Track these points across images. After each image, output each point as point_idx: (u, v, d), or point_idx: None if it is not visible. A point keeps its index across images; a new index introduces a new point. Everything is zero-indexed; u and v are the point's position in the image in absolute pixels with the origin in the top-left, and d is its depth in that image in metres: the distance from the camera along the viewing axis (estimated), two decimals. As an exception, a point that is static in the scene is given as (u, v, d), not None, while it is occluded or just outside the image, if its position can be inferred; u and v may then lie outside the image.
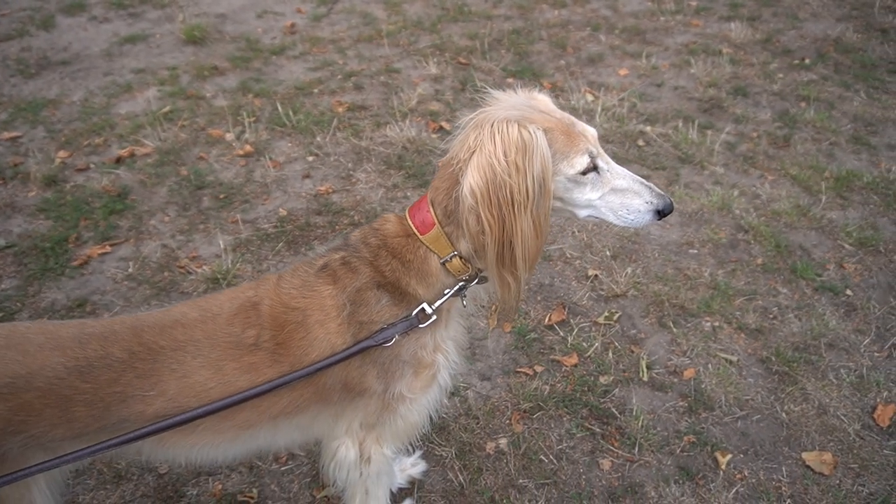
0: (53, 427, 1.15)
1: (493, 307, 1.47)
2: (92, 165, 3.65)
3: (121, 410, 1.19)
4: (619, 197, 1.32)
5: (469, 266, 1.32)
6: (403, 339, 1.32)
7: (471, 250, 1.31)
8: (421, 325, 1.31)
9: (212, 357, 1.23)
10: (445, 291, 1.33)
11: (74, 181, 3.52)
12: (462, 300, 1.39)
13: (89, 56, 4.80)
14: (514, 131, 1.17)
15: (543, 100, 1.38)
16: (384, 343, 1.27)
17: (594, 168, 1.29)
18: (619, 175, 1.34)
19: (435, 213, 1.30)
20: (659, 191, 1.36)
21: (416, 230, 1.31)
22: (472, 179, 1.17)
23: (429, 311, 1.31)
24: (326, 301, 1.28)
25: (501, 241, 1.20)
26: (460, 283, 1.34)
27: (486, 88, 1.39)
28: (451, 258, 1.30)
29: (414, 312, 1.31)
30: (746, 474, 2.14)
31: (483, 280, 1.38)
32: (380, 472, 1.64)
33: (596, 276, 2.88)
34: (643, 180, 1.38)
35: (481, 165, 1.17)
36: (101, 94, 4.33)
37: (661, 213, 1.34)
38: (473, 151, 1.19)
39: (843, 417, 2.29)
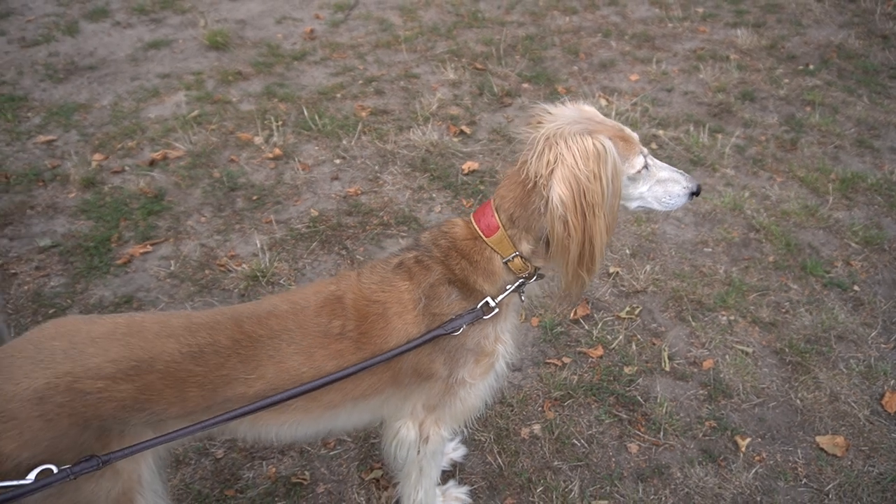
0: (170, 405, 1.30)
1: (554, 297, 1.64)
2: (127, 168, 3.79)
3: (226, 392, 1.34)
4: (663, 186, 1.53)
5: (528, 265, 1.48)
6: (469, 330, 1.48)
7: (530, 251, 1.46)
8: (485, 317, 1.46)
9: (304, 345, 1.37)
10: (507, 287, 1.49)
11: (111, 183, 3.66)
12: (521, 296, 1.54)
13: (115, 61, 4.94)
14: (589, 143, 1.32)
15: (591, 110, 1.54)
16: (453, 332, 1.42)
17: (645, 165, 1.47)
18: (661, 168, 1.53)
19: (499, 218, 1.45)
20: (689, 176, 1.57)
21: (481, 234, 1.46)
22: (559, 191, 1.32)
23: (492, 304, 1.47)
24: (404, 295, 1.43)
25: (582, 242, 1.35)
26: (520, 280, 1.49)
27: (537, 103, 1.54)
28: (512, 258, 1.46)
29: (479, 305, 1.46)
30: (765, 456, 2.30)
31: (540, 277, 1.53)
32: (435, 452, 1.79)
33: (617, 273, 3.03)
34: (676, 169, 1.57)
35: (566, 177, 1.32)
36: (129, 98, 4.47)
37: (694, 194, 1.56)
38: (554, 166, 1.33)
39: (853, 404, 2.45)
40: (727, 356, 2.65)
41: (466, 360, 1.52)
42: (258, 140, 3.97)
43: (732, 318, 2.82)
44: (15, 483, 1.13)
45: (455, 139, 3.96)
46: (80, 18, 5.53)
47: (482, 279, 1.46)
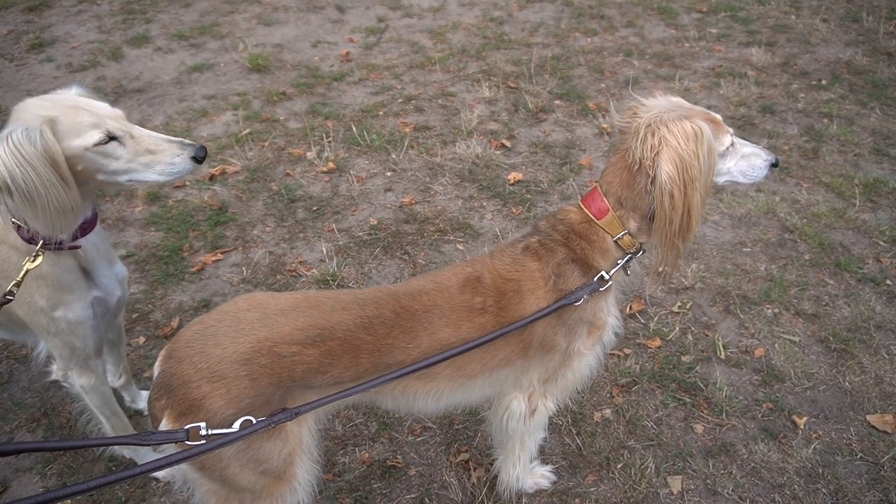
0: (346, 369, 1.48)
1: (653, 272, 1.83)
2: (188, 183, 3.98)
3: (388, 359, 1.52)
4: (747, 161, 1.74)
5: (635, 241, 1.68)
6: (587, 303, 1.67)
7: (636, 228, 1.66)
8: (601, 289, 1.66)
9: (452, 318, 1.56)
10: (618, 262, 1.69)
11: (175, 197, 3.86)
12: (626, 270, 1.74)
13: (161, 84, 5.16)
14: (688, 126, 1.53)
15: (678, 100, 1.75)
16: (576, 302, 1.62)
17: (732, 143, 1.69)
18: (744, 145, 1.76)
19: (608, 201, 1.65)
20: (768, 150, 1.79)
21: (593, 217, 1.66)
22: (667, 169, 1.52)
23: (606, 277, 1.66)
24: (535, 274, 1.62)
25: (682, 213, 1.55)
26: (628, 255, 1.70)
27: (635, 97, 1.74)
28: (622, 236, 1.66)
29: (596, 278, 1.66)
30: (821, 433, 2.49)
31: (643, 252, 1.74)
32: (538, 425, 1.98)
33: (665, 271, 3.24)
34: (756, 145, 1.78)
35: (671, 157, 1.52)
36: (179, 118, 4.68)
37: (773, 166, 1.77)
38: (659, 148, 1.53)
39: (898, 385, 2.65)
40: (776, 345, 2.85)
41: (582, 331, 1.71)
42: (310, 155, 4.19)
43: (777, 310, 3.02)
44: (225, 431, 1.30)
45: (497, 152, 4.19)
46: (123, 44, 5.76)
47: (599, 256, 1.66)
